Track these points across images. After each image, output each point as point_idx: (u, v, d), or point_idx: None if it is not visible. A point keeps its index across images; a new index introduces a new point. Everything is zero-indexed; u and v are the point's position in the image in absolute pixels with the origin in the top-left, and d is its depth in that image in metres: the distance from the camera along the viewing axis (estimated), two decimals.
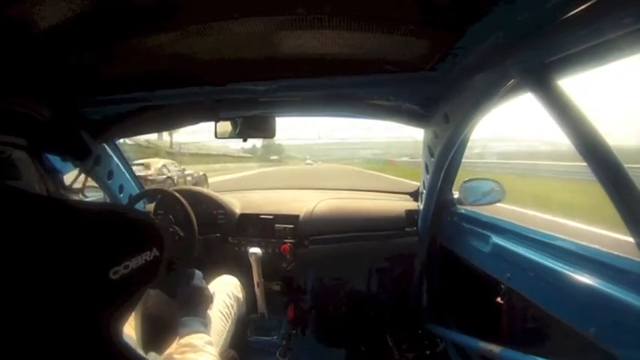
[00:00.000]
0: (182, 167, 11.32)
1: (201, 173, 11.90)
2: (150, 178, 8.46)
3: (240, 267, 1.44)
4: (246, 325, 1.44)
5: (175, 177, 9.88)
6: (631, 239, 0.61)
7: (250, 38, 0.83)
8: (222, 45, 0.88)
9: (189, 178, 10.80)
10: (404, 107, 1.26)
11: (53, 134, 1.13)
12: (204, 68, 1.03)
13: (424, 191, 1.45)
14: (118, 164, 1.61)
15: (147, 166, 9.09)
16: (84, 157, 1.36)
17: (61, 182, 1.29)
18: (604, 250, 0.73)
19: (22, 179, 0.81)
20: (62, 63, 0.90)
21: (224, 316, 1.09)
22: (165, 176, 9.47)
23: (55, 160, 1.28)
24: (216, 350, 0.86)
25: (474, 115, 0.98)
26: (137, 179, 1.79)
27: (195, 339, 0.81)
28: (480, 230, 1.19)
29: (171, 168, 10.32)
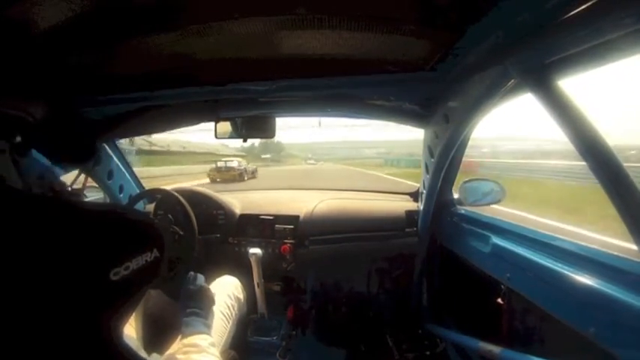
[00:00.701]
0: (246, 162, 17.96)
1: (255, 167, 18.76)
2: (236, 167, 15.58)
3: (240, 267, 1.44)
4: (247, 325, 1.43)
5: (244, 168, 16.16)
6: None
7: (250, 38, 0.83)
8: (222, 45, 0.88)
9: (250, 169, 16.94)
10: (404, 107, 1.26)
11: (53, 134, 1.13)
12: (204, 68, 1.03)
13: (424, 191, 1.45)
14: (118, 164, 1.61)
15: (235, 161, 16.27)
16: (85, 157, 1.36)
17: (61, 182, 1.29)
18: (604, 250, 0.73)
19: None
20: (62, 63, 0.89)
21: (225, 316, 1.09)
22: (243, 167, 16.02)
23: (55, 160, 1.28)
24: (217, 351, 0.86)
25: (474, 115, 0.98)
26: (137, 179, 1.79)
27: (199, 339, 0.81)
28: (479, 230, 1.19)
29: (243, 163, 16.83)
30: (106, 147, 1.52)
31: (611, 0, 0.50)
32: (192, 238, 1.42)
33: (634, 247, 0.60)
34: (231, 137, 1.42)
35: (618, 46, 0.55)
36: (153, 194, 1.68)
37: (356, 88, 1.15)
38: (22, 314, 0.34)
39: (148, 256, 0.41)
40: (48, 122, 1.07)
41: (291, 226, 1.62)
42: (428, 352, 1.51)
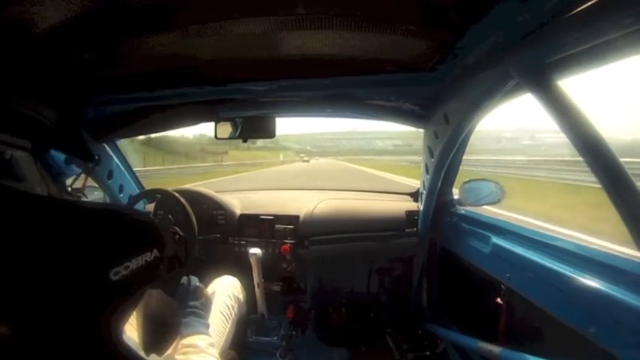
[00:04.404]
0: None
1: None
2: (305, 157, 42.36)
3: (240, 267, 1.44)
4: (246, 325, 1.43)
5: (307, 159, 38.14)
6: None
7: (250, 38, 0.83)
8: (222, 45, 0.88)
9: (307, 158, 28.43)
10: (404, 107, 1.27)
11: (54, 134, 1.14)
12: (205, 68, 1.03)
13: (424, 192, 1.45)
14: (118, 164, 1.61)
15: (306, 157, 44.65)
16: (85, 157, 1.36)
17: (62, 183, 1.29)
18: (604, 250, 0.73)
19: (24, 180, 0.82)
20: (63, 63, 0.90)
21: (224, 316, 1.09)
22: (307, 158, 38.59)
23: (55, 160, 1.28)
24: (217, 351, 0.86)
25: (474, 116, 0.98)
26: (137, 179, 1.79)
27: (198, 340, 0.81)
28: (479, 231, 1.19)
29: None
30: (106, 147, 1.52)
31: (611, 0, 0.50)
32: (192, 238, 1.42)
33: (634, 248, 0.60)
34: (231, 137, 1.43)
35: (618, 46, 0.55)
36: (153, 194, 1.68)
37: (356, 88, 1.15)
38: (22, 314, 0.34)
39: (148, 256, 0.41)
40: (49, 122, 1.07)
41: (291, 226, 1.62)
42: (428, 352, 1.51)
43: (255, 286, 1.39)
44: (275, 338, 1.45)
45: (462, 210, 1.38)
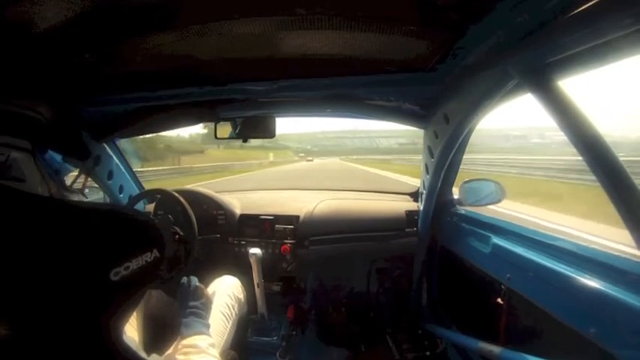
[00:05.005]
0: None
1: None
2: (308, 158, 33.55)
3: (240, 267, 1.44)
4: (247, 325, 1.43)
5: (311, 158, 29.03)
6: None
7: (250, 38, 0.83)
8: (222, 45, 0.88)
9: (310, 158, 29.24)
10: (404, 107, 1.27)
11: (54, 134, 1.14)
12: (205, 68, 1.03)
13: (424, 192, 1.46)
14: (118, 164, 1.61)
15: (310, 157, 25.40)
16: (84, 157, 1.36)
17: (63, 183, 1.29)
18: (604, 250, 0.73)
19: (25, 181, 0.82)
20: (63, 63, 0.90)
21: (225, 316, 1.09)
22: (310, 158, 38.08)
23: (55, 160, 1.28)
24: (217, 351, 0.86)
25: (474, 116, 0.98)
26: (137, 179, 1.79)
27: (199, 340, 0.81)
28: (480, 231, 1.19)
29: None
30: (106, 147, 1.52)
31: (611, 0, 0.50)
32: (192, 238, 1.42)
33: (634, 246, 0.60)
34: (231, 137, 1.43)
35: (618, 46, 0.55)
36: (153, 194, 1.68)
37: (356, 88, 1.15)
38: (22, 314, 0.34)
39: (148, 257, 0.41)
40: (49, 122, 1.07)
41: (291, 226, 1.62)
42: (428, 352, 1.51)
43: (255, 286, 1.39)
44: (275, 338, 1.45)
45: (462, 210, 1.38)
